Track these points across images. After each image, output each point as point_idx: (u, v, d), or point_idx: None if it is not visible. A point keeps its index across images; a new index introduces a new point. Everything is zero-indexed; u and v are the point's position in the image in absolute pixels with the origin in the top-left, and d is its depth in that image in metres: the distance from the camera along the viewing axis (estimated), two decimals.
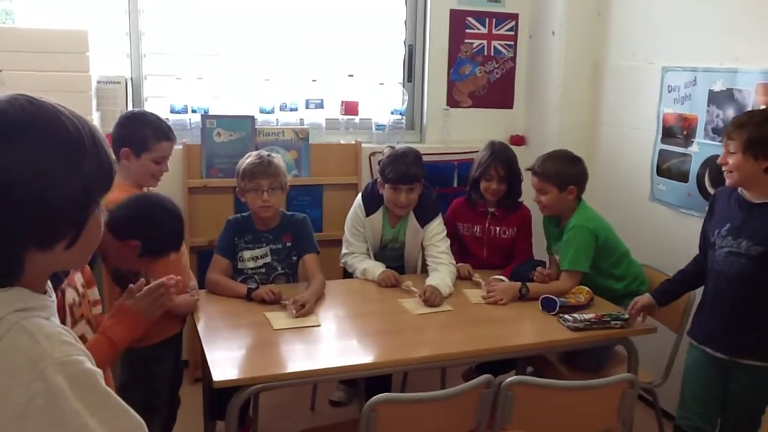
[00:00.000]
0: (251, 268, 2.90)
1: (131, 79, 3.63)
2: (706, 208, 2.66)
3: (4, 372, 0.92)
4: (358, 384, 3.12)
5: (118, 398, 1.00)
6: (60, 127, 1.00)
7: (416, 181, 3.06)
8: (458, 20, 4.08)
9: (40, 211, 0.97)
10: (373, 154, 3.89)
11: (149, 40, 3.66)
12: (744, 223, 2.39)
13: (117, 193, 2.43)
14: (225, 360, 2.21)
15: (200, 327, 2.46)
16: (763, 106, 2.89)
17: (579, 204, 3.00)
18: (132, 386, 2.34)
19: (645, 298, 2.72)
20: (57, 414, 0.92)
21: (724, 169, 2.42)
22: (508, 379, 2.04)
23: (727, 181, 2.44)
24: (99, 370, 0.98)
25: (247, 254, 2.90)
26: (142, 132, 2.54)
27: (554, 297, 2.72)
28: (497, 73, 4.22)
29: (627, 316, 2.65)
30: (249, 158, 2.87)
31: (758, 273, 2.34)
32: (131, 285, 1.50)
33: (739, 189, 2.44)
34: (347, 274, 3.22)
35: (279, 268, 2.93)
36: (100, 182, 1.05)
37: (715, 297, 2.50)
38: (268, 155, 2.89)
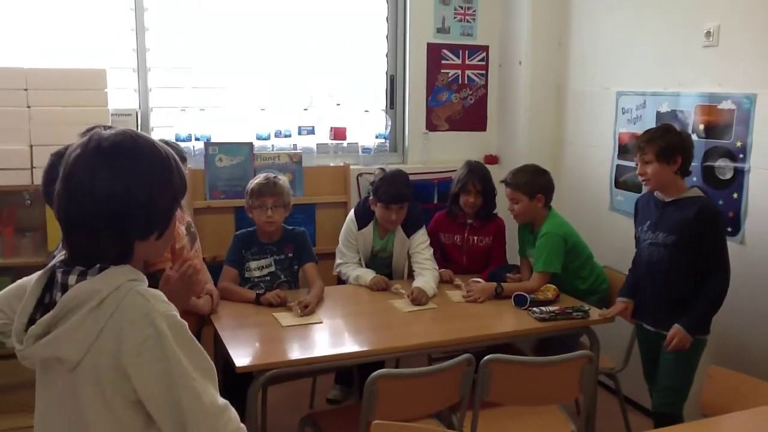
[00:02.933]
0: (257, 277, 3.26)
1: (139, 111, 4.00)
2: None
3: (126, 321, 1.28)
4: (354, 383, 3.46)
5: (199, 345, 1.36)
6: (156, 153, 1.39)
7: (405, 201, 3.44)
8: (434, 52, 4.51)
9: (145, 212, 1.36)
10: (360, 174, 4.27)
11: (155, 76, 4.03)
12: (660, 219, 2.88)
13: None
14: (244, 351, 2.57)
15: (218, 326, 2.81)
16: (701, 125, 3.34)
17: (549, 212, 3.41)
18: None
19: (621, 305, 3.06)
20: (161, 352, 1.28)
21: (642, 178, 2.90)
22: (486, 357, 2.42)
23: (647, 188, 2.94)
24: (186, 323, 1.35)
25: (253, 264, 3.26)
26: None
27: (525, 294, 3.11)
28: (471, 99, 4.64)
29: (588, 308, 3.04)
30: (257, 179, 3.25)
31: (673, 258, 2.84)
32: (167, 272, 1.85)
33: (656, 192, 2.91)
34: (341, 283, 3.58)
35: (282, 276, 3.30)
36: (182, 190, 1.45)
37: (644, 281, 2.99)
38: (275, 177, 3.27)
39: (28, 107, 3.35)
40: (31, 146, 3.34)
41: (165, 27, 4.00)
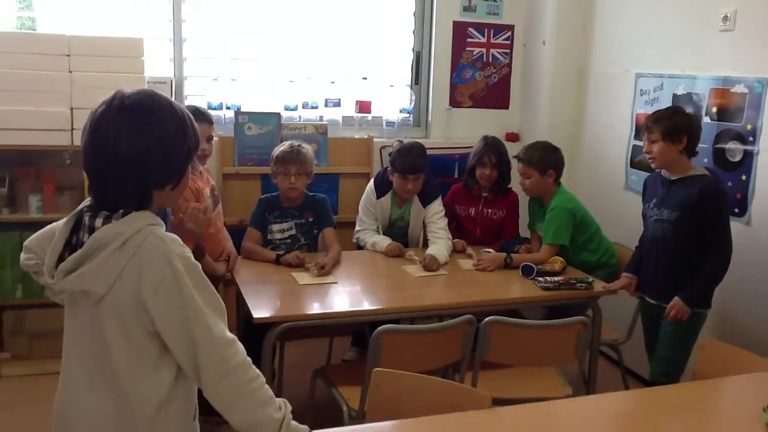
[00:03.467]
0: (279, 239, 3.44)
1: (174, 79, 4.19)
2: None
3: (145, 262, 1.45)
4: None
5: (211, 284, 1.53)
6: (174, 111, 1.54)
7: (421, 172, 3.59)
8: (460, 30, 4.62)
9: (164, 165, 1.51)
10: (383, 147, 4.41)
11: (189, 46, 4.21)
12: (665, 197, 2.98)
13: None
14: (262, 305, 2.74)
15: (240, 282, 3.00)
16: (714, 108, 3.42)
17: (558, 188, 3.53)
18: None
19: (625, 280, 3.19)
20: (177, 289, 1.45)
21: (648, 156, 3.00)
22: (487, 319, 2.58)
23: (653, 165, 3.03)
24: (199, 264, 1.52)
25: (275, 227, 3.44)
26: None
27: (532, 264, 3.24)
28: (495, 78, 4.75)
29: (591, 280, 3.17)
30: (282, 146, 3.43)
31: (676, 234, 2.94)
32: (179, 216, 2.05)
33: (662, 171, 3.01)
34: (360, 249, 3.75)
35: (302, 240, 3.47)
36: (195, 146, 1.60)
37: (649, 256, 3.09)
38: (299, 145, 3.44)
39: (70, 72, 3.55)
40: (72, 109, 3.55)
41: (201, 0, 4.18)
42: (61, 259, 1.49)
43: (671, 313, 2.89)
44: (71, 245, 1.52)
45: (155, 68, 4.06)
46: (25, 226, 3.60)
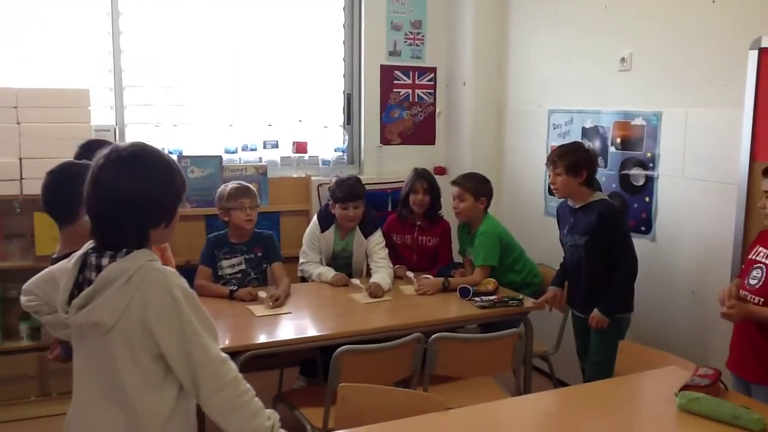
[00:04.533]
0: (229, 274, 3.63)
1: (116, 127, 4.33)
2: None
3: (149, 293, 1.66)
4: (319, 373, 3.84)
5: (205, 310, 1.74)
6: (162, 160, 1.77)
7: (360, 199, 3.87)
8: (387, 73, 4.96)
9: (156, 207, 1.73)
10: (320, 185, 4.67)
11: (130, 94, 4.37)
12: (574, 224, 3.38)
13: None
14: (223, 336, 2.91)
15: None
16: (618, 139, 3.85)
17: (485, 215, 3.87)
18: None
19: (551, 292, 3.53)
20: (177, 315, 1.67)
21: (552, 187, 3.39)
22: (434, 335, 2.85)
23: (556, 195, 3.44)
24: (195, 292, 1.73)
25: (225, 263, 3.63)
26: None
27: (468, 286, 3.55)
28: (421, 116, 5.10)
29: (521, 297, 3.51)
30: (230, 185, 3.65)
31: (588, 255, 3.33)
32: None
33: (568, 200, 3.41)
34: (304, 281, 3.97)
35: (252, 274, 3.68)
36: (183, 189, 1.82)
37: (572, 277, 3.47)
38: (245, 183, 3.68)
39: (18, 123, 3.67)
40: (20, 159, 3.66)
41: (139, 50, 4.36)
42: (71, 296, 1.68)
43: (593, 324, 3.25)
44: (78, 284, 1.71)
45: (97, 117, 4.19)
46: None
